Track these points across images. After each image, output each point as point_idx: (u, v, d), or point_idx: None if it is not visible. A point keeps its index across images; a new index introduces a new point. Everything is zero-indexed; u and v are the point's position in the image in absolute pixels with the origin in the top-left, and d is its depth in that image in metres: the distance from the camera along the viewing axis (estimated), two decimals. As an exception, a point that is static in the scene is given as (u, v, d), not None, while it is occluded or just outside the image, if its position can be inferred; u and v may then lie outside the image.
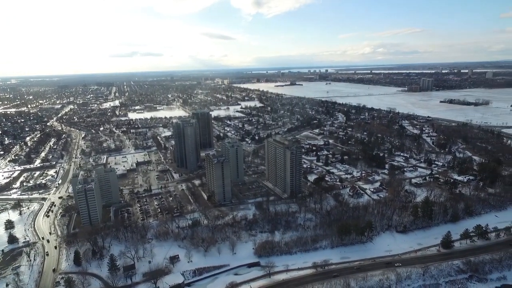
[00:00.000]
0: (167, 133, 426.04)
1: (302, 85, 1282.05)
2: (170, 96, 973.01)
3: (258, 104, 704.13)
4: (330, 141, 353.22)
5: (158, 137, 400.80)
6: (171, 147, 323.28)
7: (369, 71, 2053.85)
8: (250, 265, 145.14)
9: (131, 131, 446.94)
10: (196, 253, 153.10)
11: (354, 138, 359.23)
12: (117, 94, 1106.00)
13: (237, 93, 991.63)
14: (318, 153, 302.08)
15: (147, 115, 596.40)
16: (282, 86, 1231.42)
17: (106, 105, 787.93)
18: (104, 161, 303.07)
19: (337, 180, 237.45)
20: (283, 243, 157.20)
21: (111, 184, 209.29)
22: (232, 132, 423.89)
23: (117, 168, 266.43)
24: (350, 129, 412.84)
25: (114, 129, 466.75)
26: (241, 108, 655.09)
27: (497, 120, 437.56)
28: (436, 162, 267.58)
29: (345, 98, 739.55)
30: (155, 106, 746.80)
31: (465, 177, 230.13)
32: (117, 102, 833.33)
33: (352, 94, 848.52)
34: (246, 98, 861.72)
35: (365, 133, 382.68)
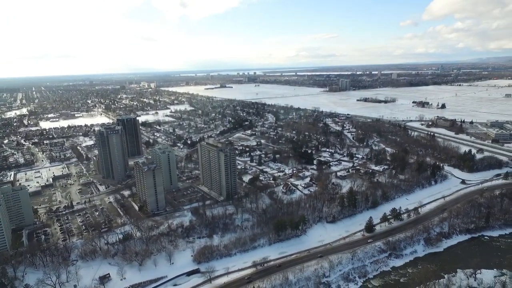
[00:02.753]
0: (89, 142, 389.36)
1: (232, 87, 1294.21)
2: (90, 101, 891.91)
3: (189, 108, 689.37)
4: (262, 141, 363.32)
5: (78, 147, 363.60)
6: (94, 157, 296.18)
7: (294, 73, 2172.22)
8: (190, 273, 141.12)
9: (45, 142, 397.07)
10: (129, 268, 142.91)
11: (284, 137, 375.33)
12: (24, 101, 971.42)
13: (165, 97, 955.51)
14: (251, 153, 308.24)
15: (64, 123, 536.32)
16: (212, 88, 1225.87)
17: (11, 114, 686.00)
18: (12, 178, 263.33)
19: (271, 179, 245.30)
20: (222, 246, 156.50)
21: (22, 204, 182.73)
22: (163, 138, 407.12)
23: (28, 185, 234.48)
24: (280, 128, 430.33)
25: (22, 141, 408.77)
26: (171, 112, 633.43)
27: (403, 115, 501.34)
28: (356, 155, 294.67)
29: (273, 99, 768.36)
30: (72, 113, 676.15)
31: (381, 167, 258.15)
32: (24, 110, 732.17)
33: (280, 95, 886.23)
34: (175, 101, 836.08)
35: (293, 132, 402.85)
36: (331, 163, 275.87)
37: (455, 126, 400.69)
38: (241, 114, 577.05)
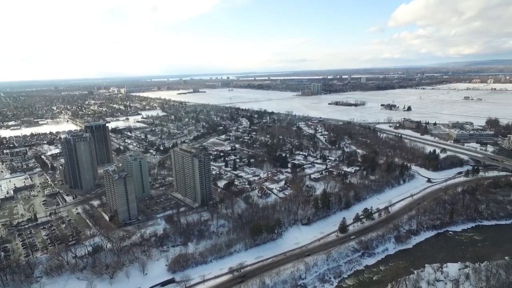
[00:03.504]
0: (55, 150, 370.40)
1: (205, 92, 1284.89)
2: (55, 108, 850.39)
3: (161, 113, 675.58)
4: (237, 145, 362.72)
5: (42, 156, 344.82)
6: (60, 167, 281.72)
7: (267, 78, 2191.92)
8: (164, 283, 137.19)
9: (4, 151, 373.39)
10: (100, 282, 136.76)
11: (258, 141, 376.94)
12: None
13: (136, 102, 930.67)
14: (226, 158, 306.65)
15: (26, 131, 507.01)
16: (185, 93, 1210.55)
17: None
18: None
19: (246, 183, 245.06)
20: (198, 253, 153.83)
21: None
22: (134, 144, 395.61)
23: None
24: (254, 133, 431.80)
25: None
26: (142, 118, 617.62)
27: (372, 117, 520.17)
28: (329, 158, 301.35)
29: (247, 103, 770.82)
30: (36, 120, 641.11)
31: (352, 168, 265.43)
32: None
33: (254, 99, 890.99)
34: (147, 107, 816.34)
35: (268, 136, 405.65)
36: (305, 166, 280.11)
37: (421, 127, 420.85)
38: (215, 119, 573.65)
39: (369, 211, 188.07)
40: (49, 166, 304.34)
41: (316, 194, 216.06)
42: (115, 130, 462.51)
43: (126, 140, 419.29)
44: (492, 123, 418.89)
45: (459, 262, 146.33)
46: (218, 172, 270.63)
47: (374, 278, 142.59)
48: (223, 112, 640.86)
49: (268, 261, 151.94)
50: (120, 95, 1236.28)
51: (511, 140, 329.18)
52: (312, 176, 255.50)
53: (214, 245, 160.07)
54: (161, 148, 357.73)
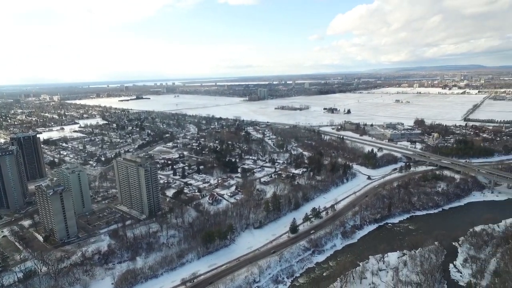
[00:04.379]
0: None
1: (149, 98, 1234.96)
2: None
3: (101, 121, 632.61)
4: (185, 153, 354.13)
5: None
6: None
7: (214, 83, 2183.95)
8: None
9: None
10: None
11: (207, 147, 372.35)
12: None
13: (72, 111, 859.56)
14: (174, 166, 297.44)
15: None
16: (128, 100, 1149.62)
17: None
18: None
19: (196, 191, 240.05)
20: (147, 267, 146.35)
21: None
22: (71, 156, 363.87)
23: None
24: (202, 139, 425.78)
25: None
26: (80, 127, 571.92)
27: (316, 120, 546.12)
28: (278, 161, 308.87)
29: (194, 109, 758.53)
30: None
31: (300, 170, 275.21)
32: None
33: (201, 105, 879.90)
34: (85, 115, 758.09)
35: (217, 141, 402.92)
36: (254, 170, 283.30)
37: (359, 128, 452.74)
38: (161, 126, 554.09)
39: (317, 210, 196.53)
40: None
41: (266, 197, 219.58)
42: (48, 142, 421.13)
43: (62, 152, 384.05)
44: (419, 123, 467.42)
45: (397, 251, 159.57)
46: (166, 181, 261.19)
47: (324, 274, 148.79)
48: (170, 119, 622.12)
49: (222, 268, 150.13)
50: (53, 103, 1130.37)
51: (435, 138, 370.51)
52: (262, 179, 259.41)
53: (165, 257, 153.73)
54: (103, 158, 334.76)
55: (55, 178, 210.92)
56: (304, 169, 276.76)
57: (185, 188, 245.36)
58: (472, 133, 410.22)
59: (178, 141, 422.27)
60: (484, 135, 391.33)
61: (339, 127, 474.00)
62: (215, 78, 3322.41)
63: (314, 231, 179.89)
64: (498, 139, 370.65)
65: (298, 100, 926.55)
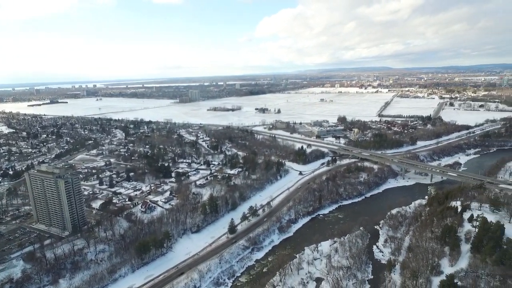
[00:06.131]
0: None
1: (67, 102, 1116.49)
2: None
3: (7, 130, 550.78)
4: (112, 160, 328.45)
5: None
6: None
7: (141, 85, 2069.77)
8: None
9: None
10: None
11: (137, 153, 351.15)
12: None
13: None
14: (100, 175, 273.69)
15: None
16: (40, 105, 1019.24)
17: None
18: None
19: (127, 200, 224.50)
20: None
21: None
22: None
23: None
24: (131, 144, 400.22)
25: None
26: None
27: (248, 121, 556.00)
28: (213, 162, 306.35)
29: (120, 113, 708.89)
30: None
31: (235, 170, 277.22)
32: None
33: (128, 108, 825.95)
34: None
35: (147, 146, 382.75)
36: (189, 173, 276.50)
37: (290, 127, 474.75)
38: (82, 132, 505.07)
39: (254, 208, 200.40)
40: None
41: (203, 200, 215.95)
42: None
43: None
44: (342, 120, 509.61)
45: (329, 240, 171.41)
46: (91, 192, 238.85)
47: (264, 270, 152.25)
48: (92, 124, 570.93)
49: (159, 278, 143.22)
50: None
51: (355, 133, 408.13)
52: (198, 182, 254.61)
53: (94, 275, 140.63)
54: (10, 172, 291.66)
55: None
56: (240, 169, 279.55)
57: (114, 197, 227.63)
58: (385, 127, 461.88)
59: (104, 147, 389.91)
60: (395, 129, 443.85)
61: (271, 126, 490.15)
62: (142, 80, 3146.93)
63: (252, 229, 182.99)
64: (406, 131, 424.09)
65: (230, 101, 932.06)
